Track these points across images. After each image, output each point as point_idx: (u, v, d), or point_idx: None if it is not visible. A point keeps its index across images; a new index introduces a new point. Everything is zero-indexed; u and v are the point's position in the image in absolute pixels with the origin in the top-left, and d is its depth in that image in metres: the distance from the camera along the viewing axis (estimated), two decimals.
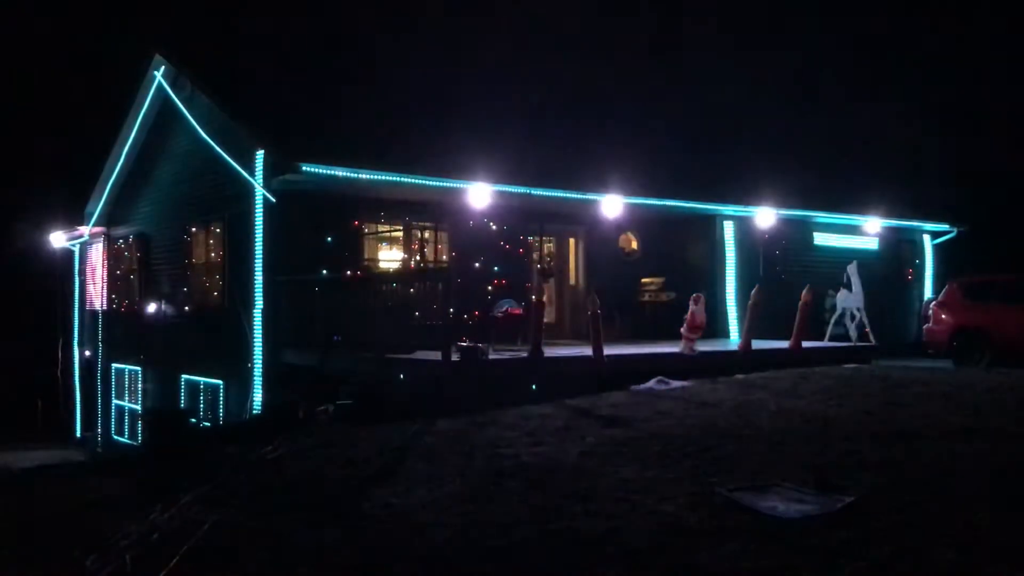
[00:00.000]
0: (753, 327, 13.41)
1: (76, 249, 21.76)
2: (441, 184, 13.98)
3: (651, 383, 11.21)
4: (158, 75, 16.94)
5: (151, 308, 17.67)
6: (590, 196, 15.52)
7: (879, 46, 30.41)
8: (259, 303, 13.62)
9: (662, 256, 18.18)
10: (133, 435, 18.05)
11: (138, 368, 18.29)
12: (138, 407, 17.96)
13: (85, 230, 20.29)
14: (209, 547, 5.69)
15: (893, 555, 4.67)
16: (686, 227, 18.08)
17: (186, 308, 16.39)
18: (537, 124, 17.82)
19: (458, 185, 14.08)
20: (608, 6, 31.03)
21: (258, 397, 13.47)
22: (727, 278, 17.63)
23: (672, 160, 18.96)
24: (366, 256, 14.83)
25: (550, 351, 11.84)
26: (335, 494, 6.82)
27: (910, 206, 20.78)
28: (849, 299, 15.59)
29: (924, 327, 15.78)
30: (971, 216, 21.79)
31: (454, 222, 15.56)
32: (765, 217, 17.58)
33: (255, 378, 13.54)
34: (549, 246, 17.23)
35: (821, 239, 19.34)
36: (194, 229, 16.11)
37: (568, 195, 15.35)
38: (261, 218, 13.60)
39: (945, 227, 21.16)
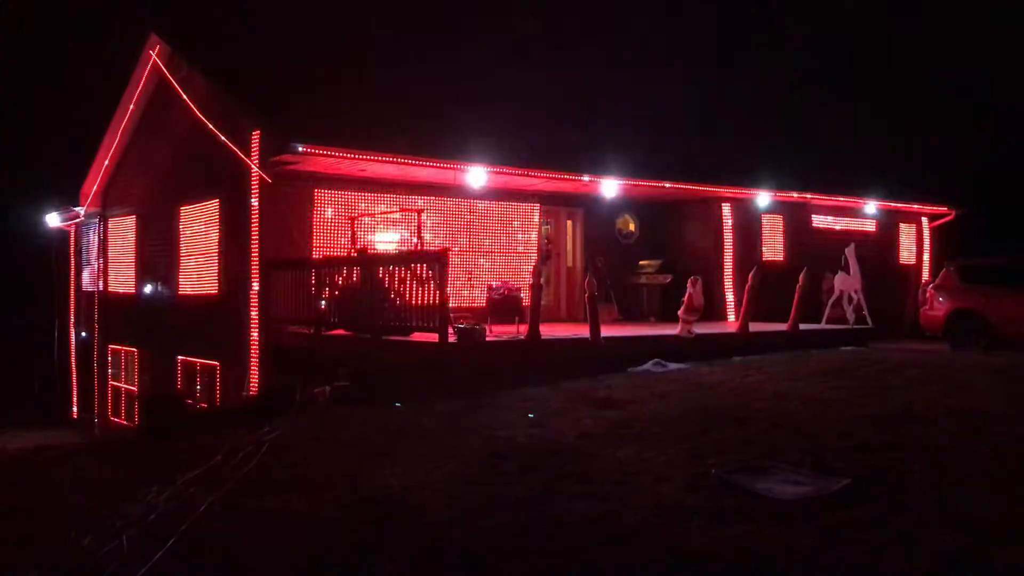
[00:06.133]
0: (750, 310, 13.41)
1: (71, 230, 21.69)
2: (438, 165, 13.95)
3: (648, 365, 11.22)
4: (154, 54, 16.81)
5: (147, 289, 17.64)
6: (588, 178, 15.49)
7: (876, 29, 30.26)
8: (255, 284, 13.59)
9: (660, 238, 18.19)
10: (130, 417, 18.06)
11: (134, 350, 18.27)
12: (135, 388, 17.97)
13: (80, 211, 20.21)
14: (206, 528, 5.68)
15: (890, 537, 4.68)
16: (684, 209, 18.08)
17: (182, 289, 16.36)
18: (536, 106, 17.73)
19: (456, 166, 14.04)
20: None
21: (255, 378, 13.46)
22: (725, 260, 17.61)
23: (671, 142, 18.90)
24: (363, 237, 14.78)
25: (547, 333, 11.83)
26: (332, 475, 6.82)
27: (909, 188, 20.74)
28: (847, 281, 15.61)
29: (921, 310, 15.80)
30: (969, 199, 21.74)
31: (452, 203, 15.57)
32: (763, 200, 17.58)
33: (251, 359, 13.53)
34: (547, 228, 17.20)
35: (819, 221, 19.33)
36: (190, 209, 16.05)
37: (566, 177, 15.34)
38: (257, 199, 13.55)
39: (943, 210, 21.13)
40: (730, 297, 17.36)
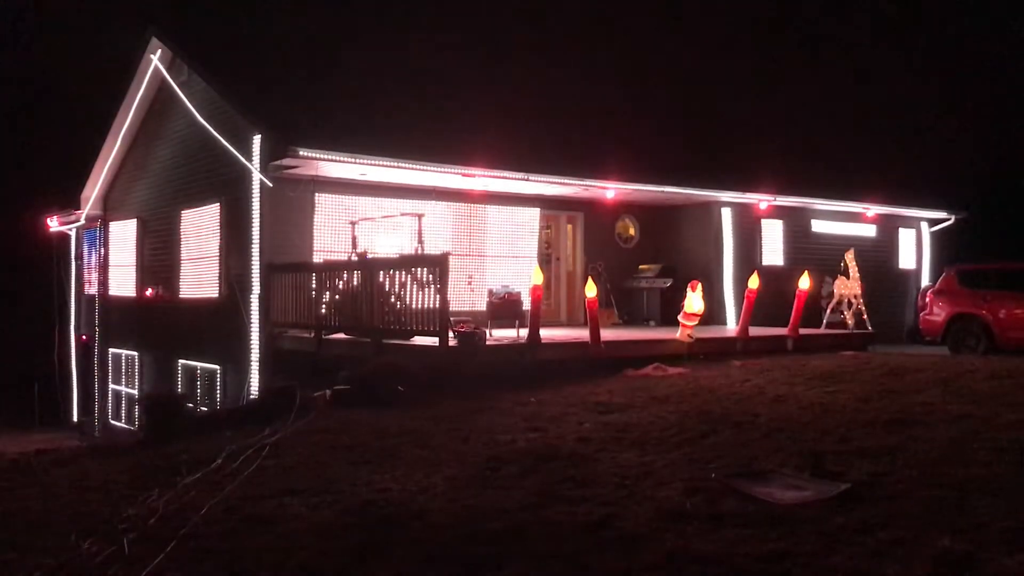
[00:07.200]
0: (750, 314, 13.42)
1: (72, 234, 21.70)
2: (439, 170, 13.98)
3: (648, 369, 11.22)
4: (155, 58, 16.83)
5: (148, 292, 17.66)
6: (588, 182, 15.51)
7: (880, 32, 30.33)
8: (256, 288, 13.60)
9: (660, 242, 18.22)
10: (130, 419, 18.07)
11: (135, 353, 18.28)
12: (135, 392, 17.97)
13: (81, 214, 20.23)
14: (207, 532, 5.69)
15: (890, 541, 4.68)
16: (684, 214, 18.11)
17: (183, 293, 16.38)
18: (536, 110, 17.75)
19: (456, 171, 14.07)
20: None
21: (255, 382, 13.48)
22: (725, 265, 17.63)
23: (671, 146, 18.93)
24: (364, 241, 14.80)
25: (547, 336, 11.85)
26: (332, 479, 6.83)
27: (908, 193, 20.76)
28: (847, 286, 15.63)
29: (920, 314, 15.82)
30: (969, 204, 21.75)
31: (453, 208, 15.60)
32: (763, 204, 17.60)
33: (252, 363, 13.54)
34: (547, 232, 17.22)
35: (819, 226, 19.33)
36: (191, 213, 16.07)
37: (566, 181, 15.36)
38: (258, 203, 13.57)
39: (943, 214, 21.14)
40: (730, 301, 17.38)
